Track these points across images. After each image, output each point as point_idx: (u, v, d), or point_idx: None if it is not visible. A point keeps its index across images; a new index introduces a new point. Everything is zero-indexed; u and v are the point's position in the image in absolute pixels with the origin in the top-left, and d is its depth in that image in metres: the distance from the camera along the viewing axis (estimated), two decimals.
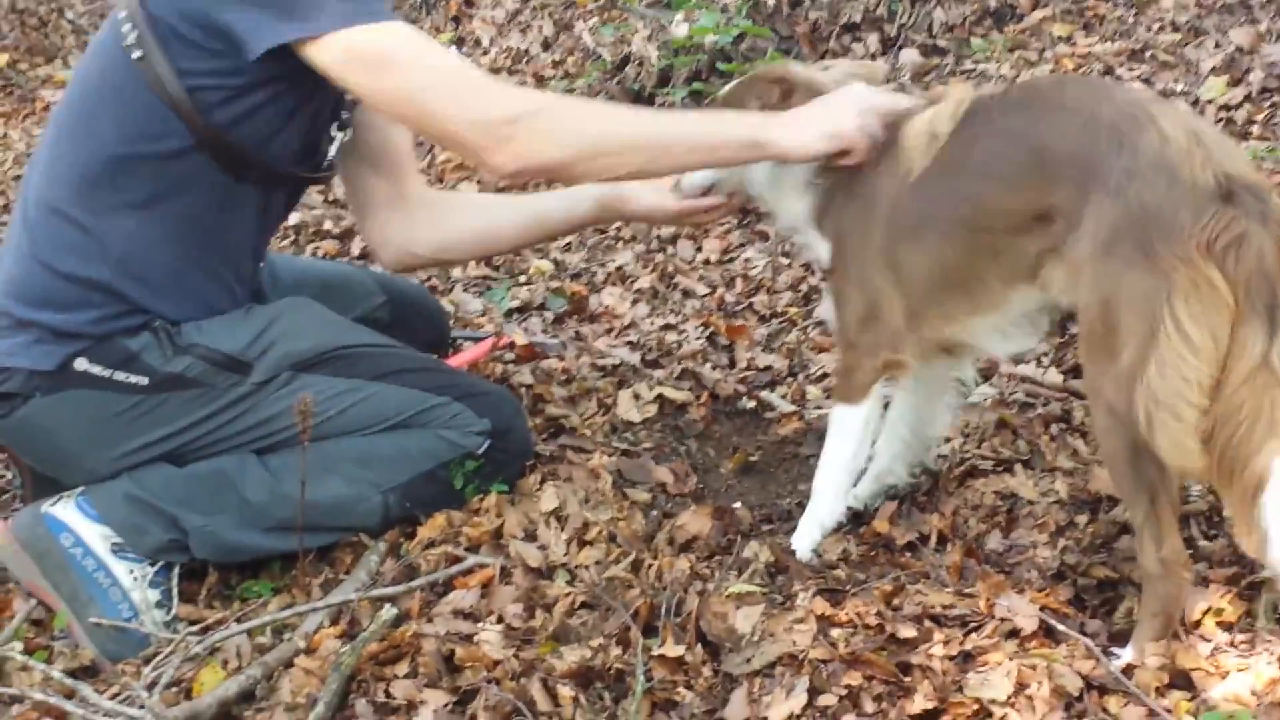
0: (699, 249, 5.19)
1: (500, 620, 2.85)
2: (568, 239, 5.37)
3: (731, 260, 5.08)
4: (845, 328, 3.12)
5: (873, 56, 5.97)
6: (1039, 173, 2.74)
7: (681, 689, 2.60)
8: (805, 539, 3.17)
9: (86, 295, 3.02)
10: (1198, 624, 2.67)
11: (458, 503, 3.26)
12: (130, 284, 3.04)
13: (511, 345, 4.10)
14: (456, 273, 5.04)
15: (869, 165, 3.02)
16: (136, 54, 2.92)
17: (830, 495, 3.18)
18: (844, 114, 2.96)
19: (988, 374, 3.87)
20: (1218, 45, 5.33)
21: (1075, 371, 3.71)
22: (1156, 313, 2.47)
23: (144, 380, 3.04)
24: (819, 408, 3.85)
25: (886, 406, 3.27)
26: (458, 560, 3.07)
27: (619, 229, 5.44)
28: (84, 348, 3.02)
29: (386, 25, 2.89)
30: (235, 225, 3.15)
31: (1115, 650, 2.65)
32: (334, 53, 2.84)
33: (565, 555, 3.08)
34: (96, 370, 3.02)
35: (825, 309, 3.27)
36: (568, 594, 2.89)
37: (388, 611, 2.84)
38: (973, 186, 2.87)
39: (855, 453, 3.17)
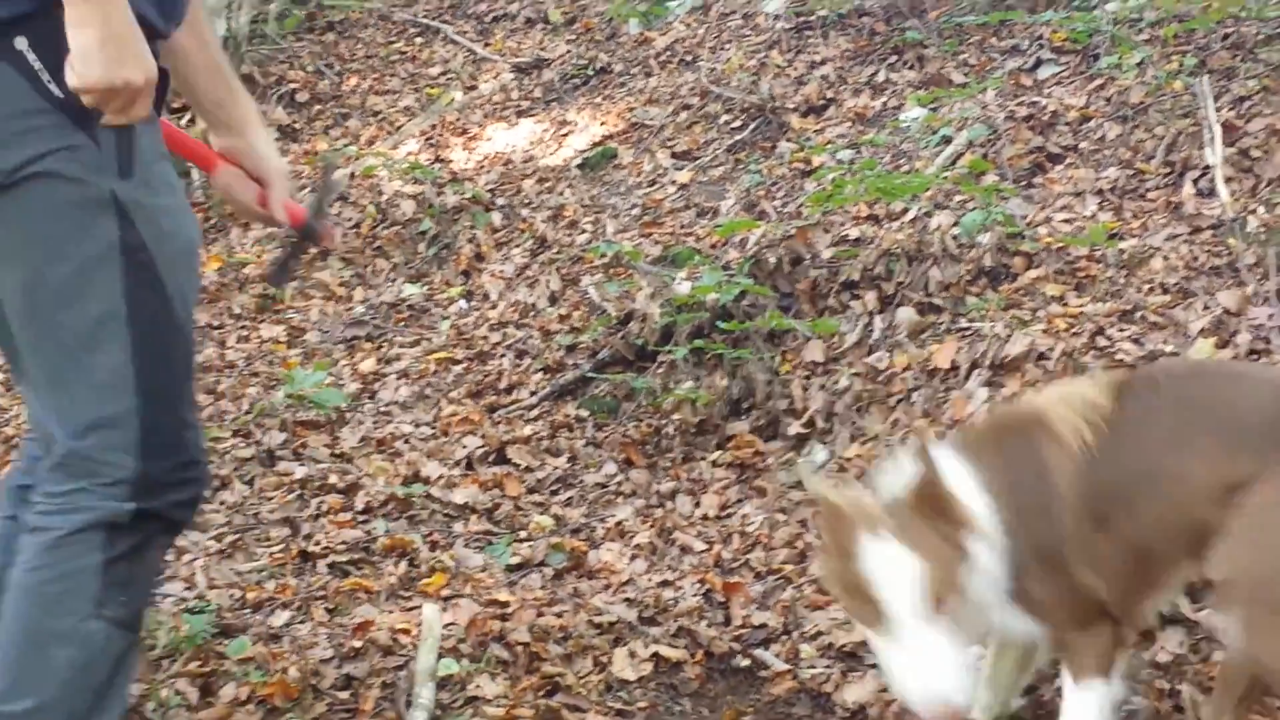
0: (697, 504, 5.24)
1: None
2: (569, 493, 5.45)
3: (729, 516, 5.11)
4: (1073, 637, 2.96)
5: (870, 314, 6.11)
6: (1230, 439, 2.72)
7: None
8: None
9: None
10: None
11: None
12: None
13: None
14: (458, 528, 5.08)
15: (1027, 499, 2.88)
16: None
17: None
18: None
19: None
20: (1206, 307, 5.44)
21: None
22: None
23: None
24: (812, 667, 3.85)
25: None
26: None
27: (619, 484, 5.51)
28: None
29: None
30: None
31: None
32: None
33: None
34: None
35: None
36: None
37: None
38: (1156, 460, 2.80)
39: None
